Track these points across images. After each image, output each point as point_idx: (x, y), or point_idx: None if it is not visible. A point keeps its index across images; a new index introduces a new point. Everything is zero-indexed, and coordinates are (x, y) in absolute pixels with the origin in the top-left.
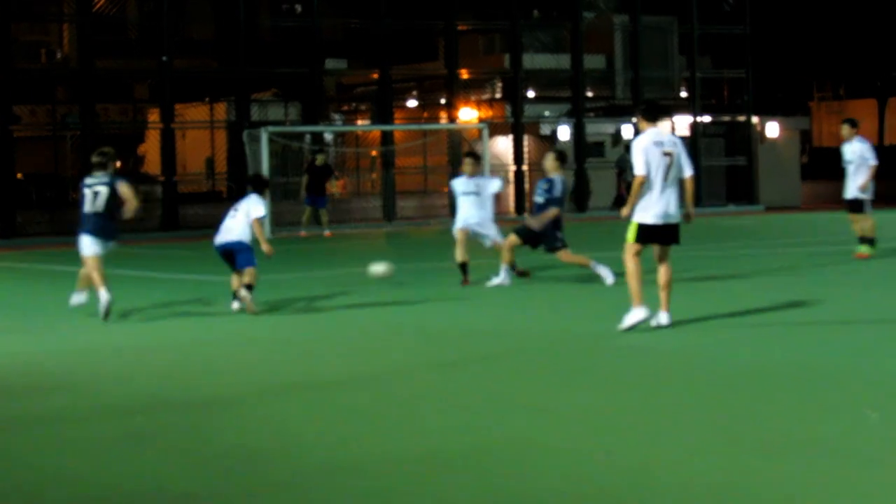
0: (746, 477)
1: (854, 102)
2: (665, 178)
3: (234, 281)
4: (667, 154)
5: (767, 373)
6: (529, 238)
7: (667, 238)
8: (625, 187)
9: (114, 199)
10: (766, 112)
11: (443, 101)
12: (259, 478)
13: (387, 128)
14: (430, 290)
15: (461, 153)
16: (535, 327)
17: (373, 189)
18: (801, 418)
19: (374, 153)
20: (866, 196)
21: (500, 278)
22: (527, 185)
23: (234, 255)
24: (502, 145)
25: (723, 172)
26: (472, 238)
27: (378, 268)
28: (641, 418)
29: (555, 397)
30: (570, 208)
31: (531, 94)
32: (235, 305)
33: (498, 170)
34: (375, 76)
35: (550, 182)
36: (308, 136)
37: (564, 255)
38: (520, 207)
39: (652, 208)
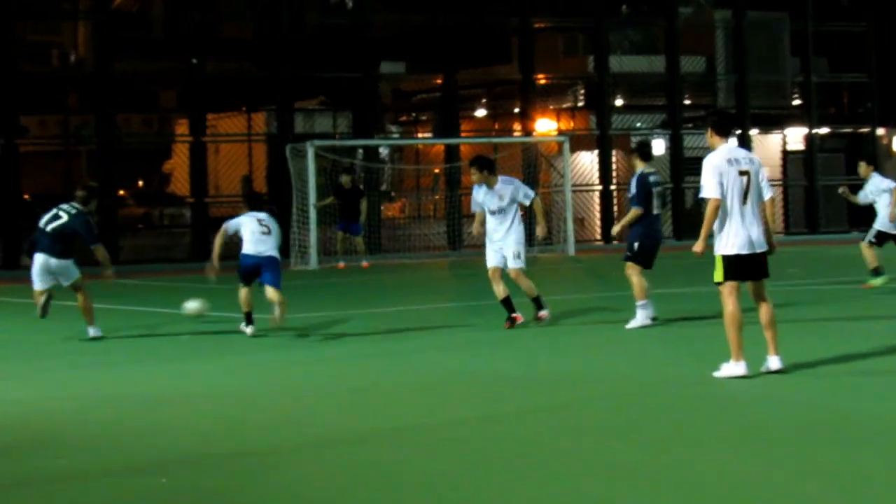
0: None
1: None
2: (743, 202)
3: (246, 298)
4: (743, 173)
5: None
6: (641, 260)
7: (756, 270)
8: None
9: (71, 234)
10: (894, 123)
11: (517, 110)
12: None
13: (452, 141)
14: (503, 331)
15: (538, 170)
16: (620, 371)
17: (435, 212)
18: None
19: (436, 170)
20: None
21: (643, 316)
22: (615, 209)
23: (264, 271)
24: (586, 161)
25: None
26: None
27: (191, 305)
28: (756, 482)
29: (653, 456)
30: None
31: (619, 101)
32: (249, 330)
33: (581, 190)
34: (439, 81)
35: (629, 182)
36: (360, 152)
37: (629, 270)
38: (608, 234)
39: (733, 237)
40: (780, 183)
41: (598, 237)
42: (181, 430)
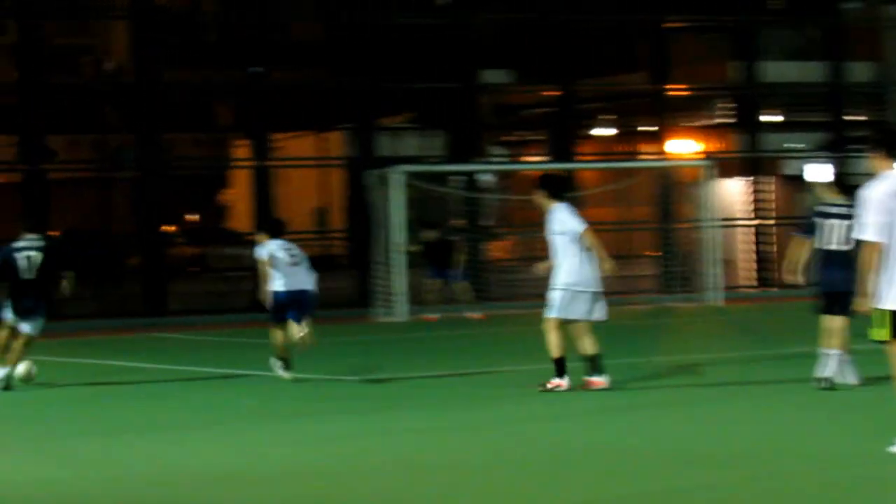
0: None
1: None
2: None
3: (280, 339)
4: None
5: None
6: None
7: None
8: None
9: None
10: None
11: (647, 128)
12: None
13: (569, 166)
14: (643, 395)
15: (674, 202)
16: (786, 444)
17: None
18: None
19: None
20: None
21: (837, 370)
22: (774, 247)
23: (302, 306)
24: (732, 190)
25: None
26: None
27: (21, 368)
28: None
29: None
30: None
31: (772, 117)
32: (289, 375)
33: (729, 225)
34: (552, 93)
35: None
36: (457, 179)
37: (824, 323)
38: (763, 278)
39: None
40: None
41: (751, 282)
42: None
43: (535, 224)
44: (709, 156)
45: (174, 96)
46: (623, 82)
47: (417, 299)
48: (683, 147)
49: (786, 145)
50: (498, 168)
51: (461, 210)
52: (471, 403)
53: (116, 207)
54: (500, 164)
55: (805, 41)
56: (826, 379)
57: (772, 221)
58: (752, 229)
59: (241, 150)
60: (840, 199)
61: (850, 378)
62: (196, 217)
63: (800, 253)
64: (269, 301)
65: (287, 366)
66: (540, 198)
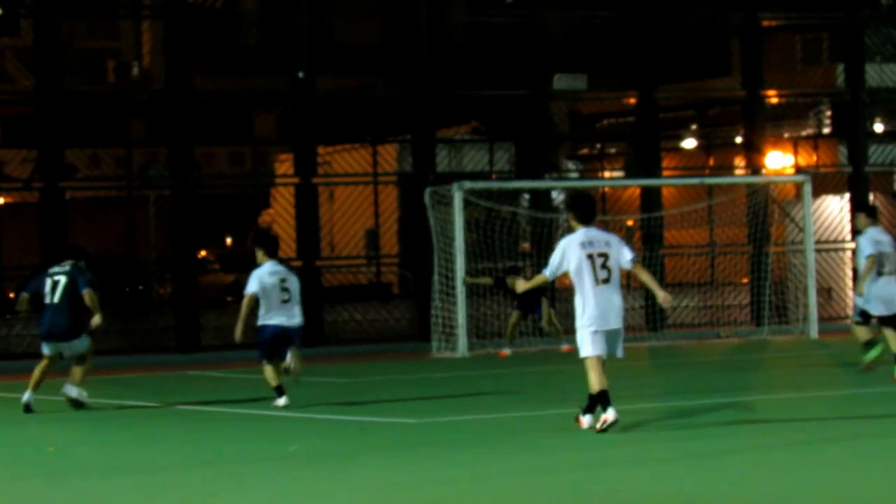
0: None
1: None
2: None
3: (272, 374)
4: None
5: None
6: None
7: None
8: None
9: (75, 292)
10: None
11: (739, 139)
12: None
13: (651, 182)
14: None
15: (768, 222)
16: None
17: (629, 280)
18: None
19: (629, 222)
20: None
21: None
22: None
23: (291, 342)
24: (834, 208)
25: None
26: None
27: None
28: None
29: None
30: None
31: (880, 127)
32: (283, 401)
33: (828, 249)
34: (632, 101)
35: None
36: (526, 196)
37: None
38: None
39: None
40: None
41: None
42: None
43: None
44: (806, 170)
45: (209, 105)
46: (712, 88)
47: (481, 332)
48: (778, 161)
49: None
50: (571, 185)
51: (530, 232)
52: (536, 446)
53: (143, 230)
54: (574, 179)
55: None
56: None
57: None
58: (853, 254)
59: (284, 165)
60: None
61: None
62: (232, 241)
63: None
64: (259, 336)
65: (281, 392)
66: (570, 220)
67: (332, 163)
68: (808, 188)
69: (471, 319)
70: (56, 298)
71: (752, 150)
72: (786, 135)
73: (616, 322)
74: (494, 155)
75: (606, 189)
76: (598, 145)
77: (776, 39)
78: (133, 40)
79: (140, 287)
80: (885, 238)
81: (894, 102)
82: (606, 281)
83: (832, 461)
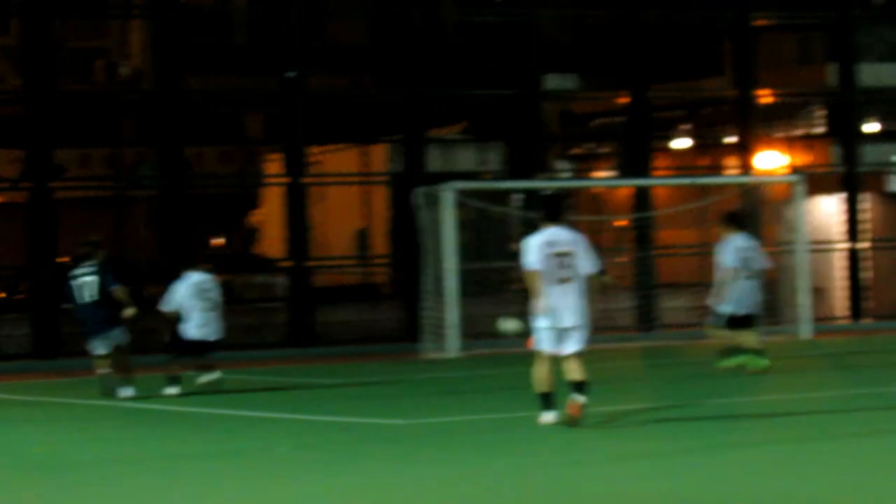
0: None
1: None
2: None
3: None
4: None
5: None
6: None
7: None
8: None
9: (104, 289)
10: None
11: (731, 139)
12: None
13: (642, 182)
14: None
15: (760, 222)
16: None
17: (620, 279)
18: None
19: (621, 223)
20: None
21: None
22: (871, 274)
23: (209, 351)
24: (827, 209)
25: None
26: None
27: (508, 324)
28: None
29: None
30: None
31: (873, 127)
32: (174, 390)
33: (821, 249)
34: (624, 101)
35: None
36: (520, 197)
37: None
38: (858, 309)
39: None
40: None
41: (845, 313)
42: None
43: (604, 249)
44: (800, 170)
45: (198, 105)
46: (704, 87)
47: (473, 331)
48: (771, 161)
49: (887, 159)
50: (563, 185)
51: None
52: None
53: (133, 230)
54: (565, 179)
55: None
56: None
57: (869, 244)
58: (847, 253)
59: (274, 165)
60: None
61: None
62: (222, 241)
63: None
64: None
65: (175, 381)
66: (540, 220)
67: (322, 163)
68: (800, 188)
69: (464, 320)
70: (87, 297)
71: (743, 151)
72: (779, 135)
73: (570, 320)
74: (486, 155)
75: (598, 189)
76: (590, 145)
77: (768, 39)
78: (123, 40)
79: (128, 287)
80: (749, 244)
81: (888, 102)
82: (566, 280)
83: (826, 460)
